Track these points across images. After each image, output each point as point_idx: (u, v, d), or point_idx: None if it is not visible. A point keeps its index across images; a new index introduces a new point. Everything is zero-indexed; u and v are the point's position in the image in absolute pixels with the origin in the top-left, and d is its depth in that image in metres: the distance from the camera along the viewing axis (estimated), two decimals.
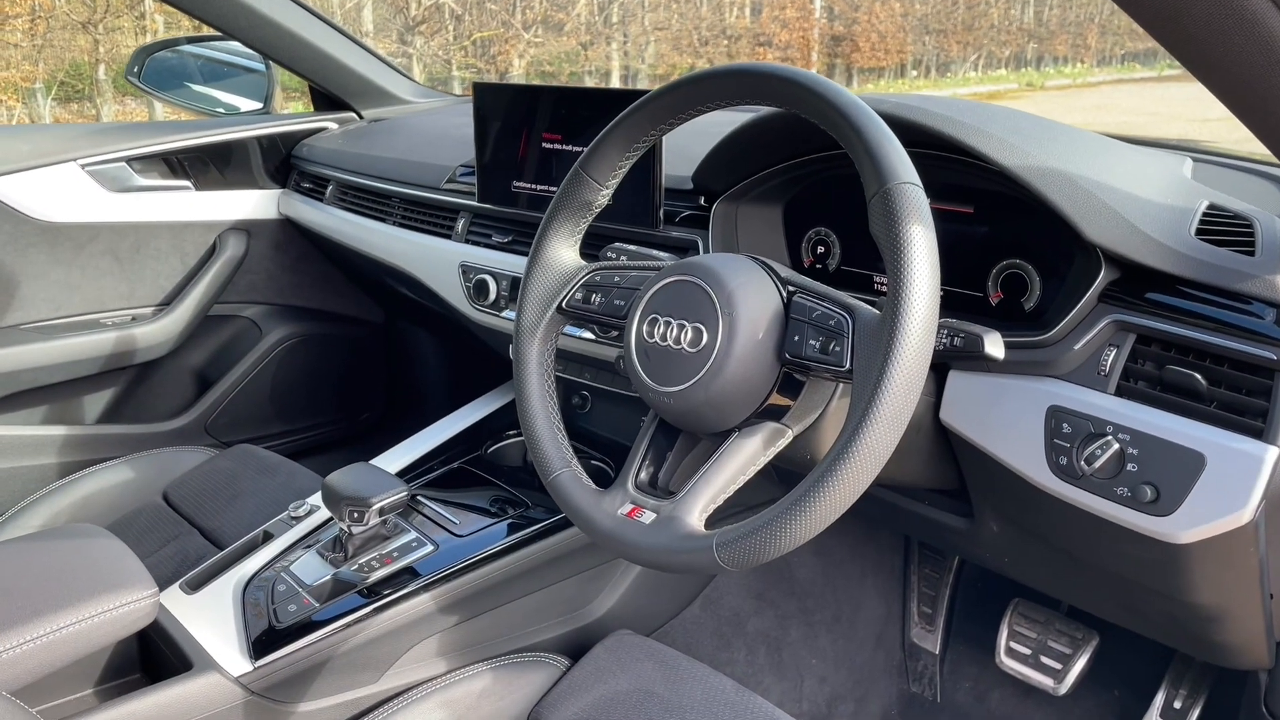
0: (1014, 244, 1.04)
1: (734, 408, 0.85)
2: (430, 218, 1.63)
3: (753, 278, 0.86)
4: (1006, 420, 0.92)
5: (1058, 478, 0.89)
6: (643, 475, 0.91)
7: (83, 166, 1.79)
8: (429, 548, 1.25)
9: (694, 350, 0.85)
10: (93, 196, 1.80)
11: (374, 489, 1.19)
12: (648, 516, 0.85)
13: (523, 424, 0.98)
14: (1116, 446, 0.85)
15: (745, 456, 0.85)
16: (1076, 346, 0.89)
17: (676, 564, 0.82)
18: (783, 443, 0.87)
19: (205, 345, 2.03)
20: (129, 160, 1.84)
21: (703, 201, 1.24)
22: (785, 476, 1.15)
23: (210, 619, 1.16)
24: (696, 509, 0.83)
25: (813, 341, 0.81)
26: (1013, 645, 1.43)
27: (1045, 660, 1.41)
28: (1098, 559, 0.98)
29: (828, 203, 1.20)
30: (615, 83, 15.14)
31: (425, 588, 1.20)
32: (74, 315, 1.84)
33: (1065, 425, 0.88)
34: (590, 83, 14.58)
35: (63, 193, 1.77)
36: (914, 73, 19.02)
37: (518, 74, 14.01)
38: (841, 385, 0.88)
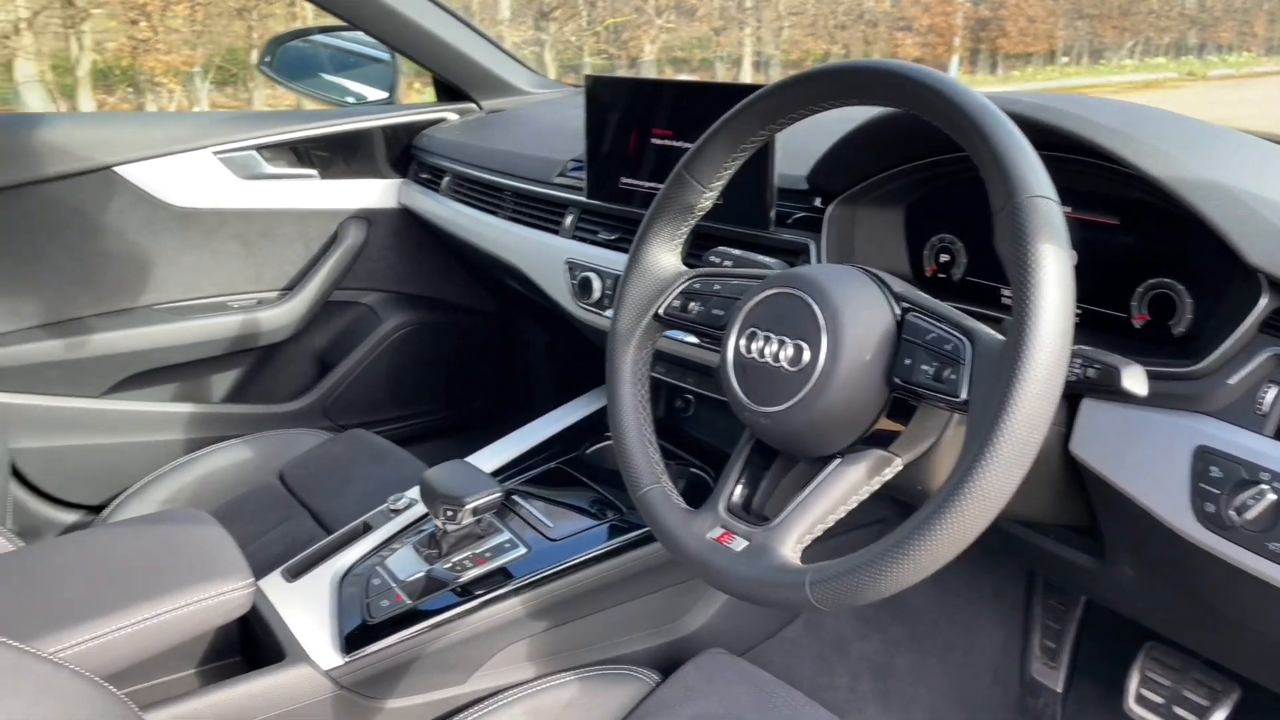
0: (1164, 261, 0.94)
1: (837, 432, 0.79)
2: (540, 212, 1.61)
3: (861, 292, 0.80)
4: (1146, 458, 0.83)
5: (1203, 526, 0.79)
6: (735, 498, 0.86)
7: (215, 154, 1.84)
8: (521, 550, 1.23)
9: (794, 369, 0.79)
10: (224, 183, 1.86)
11: (468, 488, 1.18)
12: (739, 543, 0.80)
13: (613, 435, 0.94)
14: (1274, 497, 0.75)
15: (847, 485, 0.79)
16: (1231, 381, 0.79)
17: (766, 597, 0.76)
18: (890, 472, 0.80)
19: (325, 330, 2.08)
20: (259, 149, 1.89)
21: (818, 203, 1.17)
22: (894, 499, 1.08)
23: (306, 609, 1.17)
24: (791, 539, 0.77)
25: (925, 367, 0.74)
26: (1144, 692, 1.31)
27: (1179, 711, 1.29)
28: (1244, 617, 0.87)
29: (955, 207, 1.11)
30: (747, 69, 14.93)
31: (516, 591, 1.18)
32: (203, 298, 1.90)
33: (1214, 469, 0.78)
34: (721, 69, 14.44)
35: (196, 179, 1.83)
36: (1065, 59, 18.04)
37: (649, 60, 14.00)
38: (957, 414, 0.80)
